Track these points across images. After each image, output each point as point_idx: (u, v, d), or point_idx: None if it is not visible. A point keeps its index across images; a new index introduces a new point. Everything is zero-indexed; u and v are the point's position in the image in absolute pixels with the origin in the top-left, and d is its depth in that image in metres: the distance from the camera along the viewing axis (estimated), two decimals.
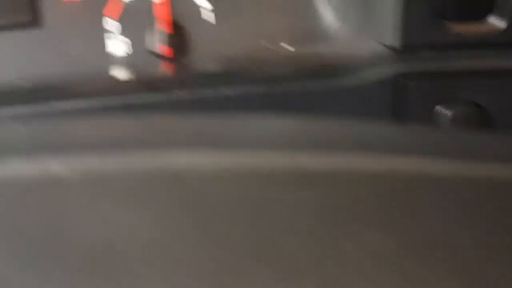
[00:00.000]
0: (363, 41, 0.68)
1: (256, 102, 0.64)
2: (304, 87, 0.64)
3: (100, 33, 0.69)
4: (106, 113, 0.62)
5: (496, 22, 0.62)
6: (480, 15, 0.62)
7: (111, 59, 0.70)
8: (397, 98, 0.63)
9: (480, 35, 0.63)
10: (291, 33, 0.71)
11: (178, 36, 0.70)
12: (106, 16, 0.70)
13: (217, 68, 0.69)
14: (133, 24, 0.70)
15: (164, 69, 0.71)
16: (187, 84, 0.67)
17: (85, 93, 0.65)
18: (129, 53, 0.71)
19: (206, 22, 0.71)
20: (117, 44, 0.70)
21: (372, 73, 0.64)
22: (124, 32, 0.70)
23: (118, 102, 0.63)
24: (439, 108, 0.62)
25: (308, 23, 0.71)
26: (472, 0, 0.63)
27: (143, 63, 0.70)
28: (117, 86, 0.69)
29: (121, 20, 0.70)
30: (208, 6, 0.71)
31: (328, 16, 0.71)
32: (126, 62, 0.71)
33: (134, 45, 0.70)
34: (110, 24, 0.70)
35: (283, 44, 0.70)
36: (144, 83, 0.68)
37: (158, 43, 0.69)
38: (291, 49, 0.71)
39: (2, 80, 0.66)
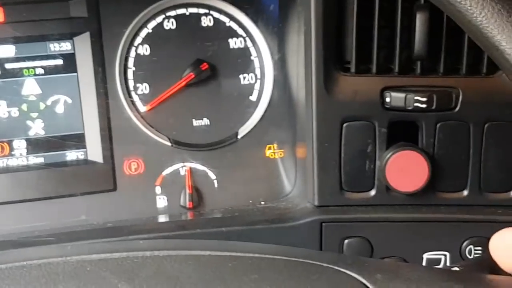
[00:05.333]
0: (302, 200, 1.10)
1: (239, 237, 1.06)
2: (267, 227, 1.07)
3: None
4: None
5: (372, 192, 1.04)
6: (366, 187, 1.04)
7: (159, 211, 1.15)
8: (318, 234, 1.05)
9: (365, 199, 1.04)
10: (266, 194, 1.17)
11: (196, 195, 1.15)
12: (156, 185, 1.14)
13: (218, 215, 1.13)
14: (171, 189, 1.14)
15: (188, 215, 1.15)
16: (200, 225, 1.09)
17: (141, 231, 1.07)
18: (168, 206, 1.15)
19: (212, 186, 1.16)
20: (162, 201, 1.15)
21: (304, 220, 1.06)
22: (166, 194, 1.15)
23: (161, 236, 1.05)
24: (343, 241, 1.04)
25: (276, 188, 1.18)
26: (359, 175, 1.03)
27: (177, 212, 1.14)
28: (160, 226, 1.11)
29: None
30: (213, 176, 1.15)
31: (286, 184, 1.16)
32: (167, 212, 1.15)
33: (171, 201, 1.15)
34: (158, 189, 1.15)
35: (262, 201, 1.16)
36: (177, 225, 1.11)
37: (185, 200, 1.14)
38: (264, 204, 1.16)
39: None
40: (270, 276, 0.59)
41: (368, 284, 0.58)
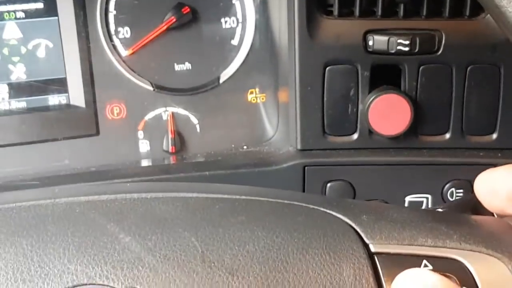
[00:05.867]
0: (284, 144, 1.11)
1: (222, 181, 1.06)
2: (250, 171, 1.08)
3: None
4: None
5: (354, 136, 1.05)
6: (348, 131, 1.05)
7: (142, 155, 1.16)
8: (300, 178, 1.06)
9: (348, 143, 1.05)
10: (248, 139, 1.17)
11: (179, 140, 1.15)
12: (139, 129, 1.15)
13: (201, 160, 1.14)
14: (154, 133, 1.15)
15: (170, 159, 1.15)
16: (183, 169, 1.11)
17: (124, 175, 1.08)
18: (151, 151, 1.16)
19: (195, 131, 1.16)
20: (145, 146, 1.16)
21: (287, 163, 1.07)
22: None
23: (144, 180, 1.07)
24: (325, 184, 1.06)
25: (258, 132, 1.18)
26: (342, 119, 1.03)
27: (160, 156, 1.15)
28: (143, 170, 1.12)
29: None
30: (196, 121, 1.14)
31: (268, 128, 1.16)
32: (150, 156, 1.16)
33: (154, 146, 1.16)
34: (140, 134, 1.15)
35: (244, 146, 1.17)
36: (160, 169, 1.11)
37: (167, 144, 1.14)
38: (247, 148, 1.17)
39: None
40: (257, 217, 0.59)
41: (353, 225, 0.59)
